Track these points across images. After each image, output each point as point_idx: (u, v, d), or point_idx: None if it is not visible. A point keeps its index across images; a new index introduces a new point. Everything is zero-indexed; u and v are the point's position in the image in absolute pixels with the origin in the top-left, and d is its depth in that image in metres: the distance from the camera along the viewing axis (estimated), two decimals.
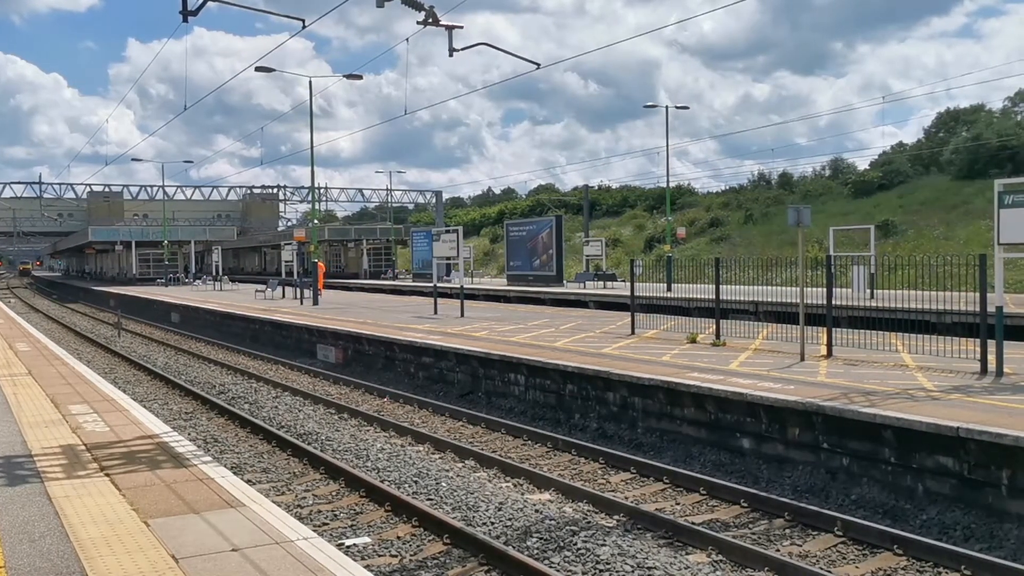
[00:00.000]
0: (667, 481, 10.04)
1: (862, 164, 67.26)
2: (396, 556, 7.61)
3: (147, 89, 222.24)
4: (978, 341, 12.09)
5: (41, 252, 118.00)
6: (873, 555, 7.62)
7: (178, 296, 40.10)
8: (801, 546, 7.89)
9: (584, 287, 37.31)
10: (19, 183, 74.49)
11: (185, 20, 13.40)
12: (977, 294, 11.80)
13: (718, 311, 17.01)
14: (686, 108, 46.69)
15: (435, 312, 25.45)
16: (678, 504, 9.32)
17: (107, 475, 7.53)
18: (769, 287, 20.03)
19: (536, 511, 8.78)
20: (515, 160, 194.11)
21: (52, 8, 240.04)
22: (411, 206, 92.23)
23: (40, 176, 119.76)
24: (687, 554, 7.65)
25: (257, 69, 28.56)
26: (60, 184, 75.91)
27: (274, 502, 7.48)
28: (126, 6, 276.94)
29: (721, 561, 7.47)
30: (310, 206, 42.96)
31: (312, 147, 32.01)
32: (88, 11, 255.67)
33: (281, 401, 16.04)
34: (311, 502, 9.38)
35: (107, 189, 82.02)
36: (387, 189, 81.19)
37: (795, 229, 14.13)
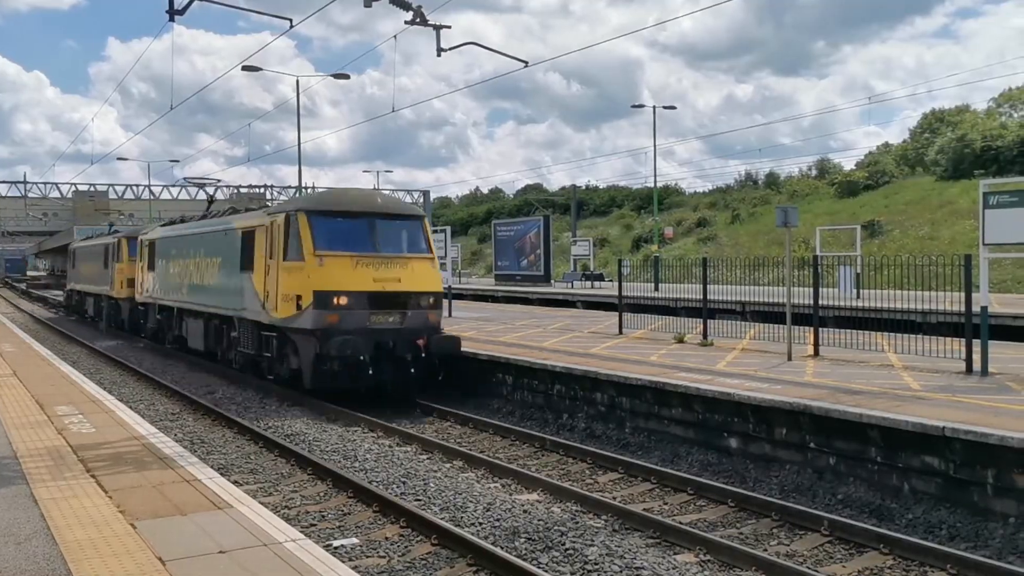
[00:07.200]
0: (655, 481, 10.06)
1: (848, 164, 67.74)
2: (384, 557, 7.60)
3: (128, 88, 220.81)
4: (963, 341, 12.18)
5: (26, 252, 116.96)
6: (860, 554, 7.66)
7: None
8: (788, 546, 7.93)
9: (572, 287, 37.35)
10: (3, 182, 73.75)
11: (171, 19, 13.32)
12: (962, 294, 11.89)
13: (705, 311, 17.07)
14: (673, 108, 46.92)
15: None
16: (666, 504, 9.34)
17: (93, 477, 7.47)
18: (756, 287, 20.11)
19: (524, 511, 8.78)
20: (501, 160, 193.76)
21: (33, 7, 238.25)
22: None
23: (24, 175, 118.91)
24: (675, 554, 7.66)
25: (244, 68, 28.50)
26: (45, 183, 75.12)
27: (261, 503, 7.44)
28: (109, 5, 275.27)
29: (709, 561, 7.49)
30: None
31: (300, 146, 31.97)
32: (71, 9, 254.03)
33: (268, 402, 15.96)
34: (299, 503, 9.34)
35: (92, 188, 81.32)
36: (375, 188, 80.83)
37: (782, 229, 14.19)
